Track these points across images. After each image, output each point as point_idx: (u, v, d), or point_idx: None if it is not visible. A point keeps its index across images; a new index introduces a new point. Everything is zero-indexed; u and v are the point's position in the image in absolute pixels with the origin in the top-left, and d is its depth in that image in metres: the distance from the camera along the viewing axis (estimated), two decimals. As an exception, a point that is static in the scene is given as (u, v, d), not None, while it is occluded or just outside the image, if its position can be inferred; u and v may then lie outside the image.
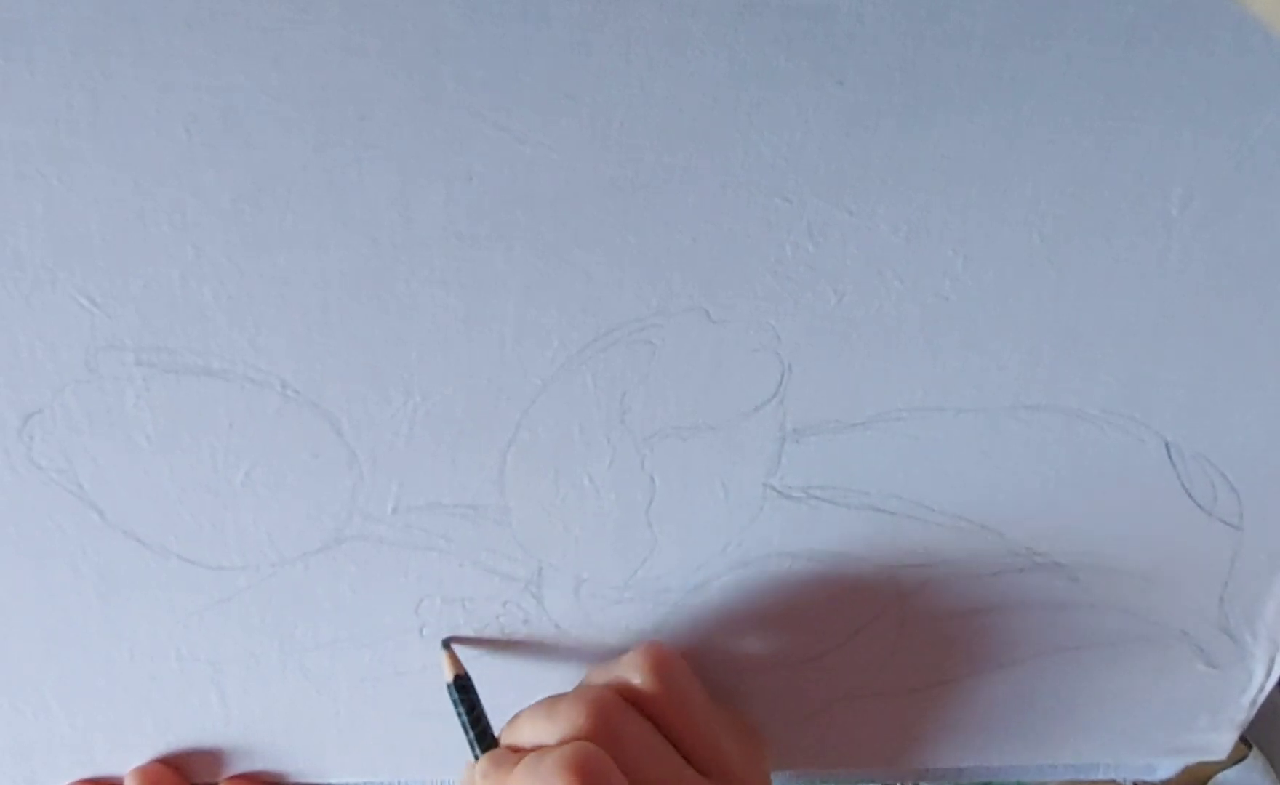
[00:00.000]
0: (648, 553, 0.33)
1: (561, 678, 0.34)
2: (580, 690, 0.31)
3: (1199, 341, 0.31)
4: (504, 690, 0.33)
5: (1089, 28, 0.25)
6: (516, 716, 0.31)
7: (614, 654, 0.32)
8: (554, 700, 0.31)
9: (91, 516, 0.29)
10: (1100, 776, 0.41)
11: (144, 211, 0.25)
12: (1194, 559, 0.35)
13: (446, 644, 0.32)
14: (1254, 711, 0.39)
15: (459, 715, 0.31)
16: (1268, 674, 0.38)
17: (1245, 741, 0.43)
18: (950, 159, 0.27)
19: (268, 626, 0.32)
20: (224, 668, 0.33)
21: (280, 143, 0.25)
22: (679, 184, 0.27)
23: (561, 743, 0.29)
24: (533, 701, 0.31)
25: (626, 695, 0.30)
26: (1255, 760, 0.43)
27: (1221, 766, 0.43)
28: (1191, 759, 0.41)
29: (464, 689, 0.32)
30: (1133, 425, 0.32)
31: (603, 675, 0.32)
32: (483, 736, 0.31)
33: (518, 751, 0.30)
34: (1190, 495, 0.33)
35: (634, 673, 0.31)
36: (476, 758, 0.31)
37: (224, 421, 0.29)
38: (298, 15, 0.23)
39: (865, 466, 0.32)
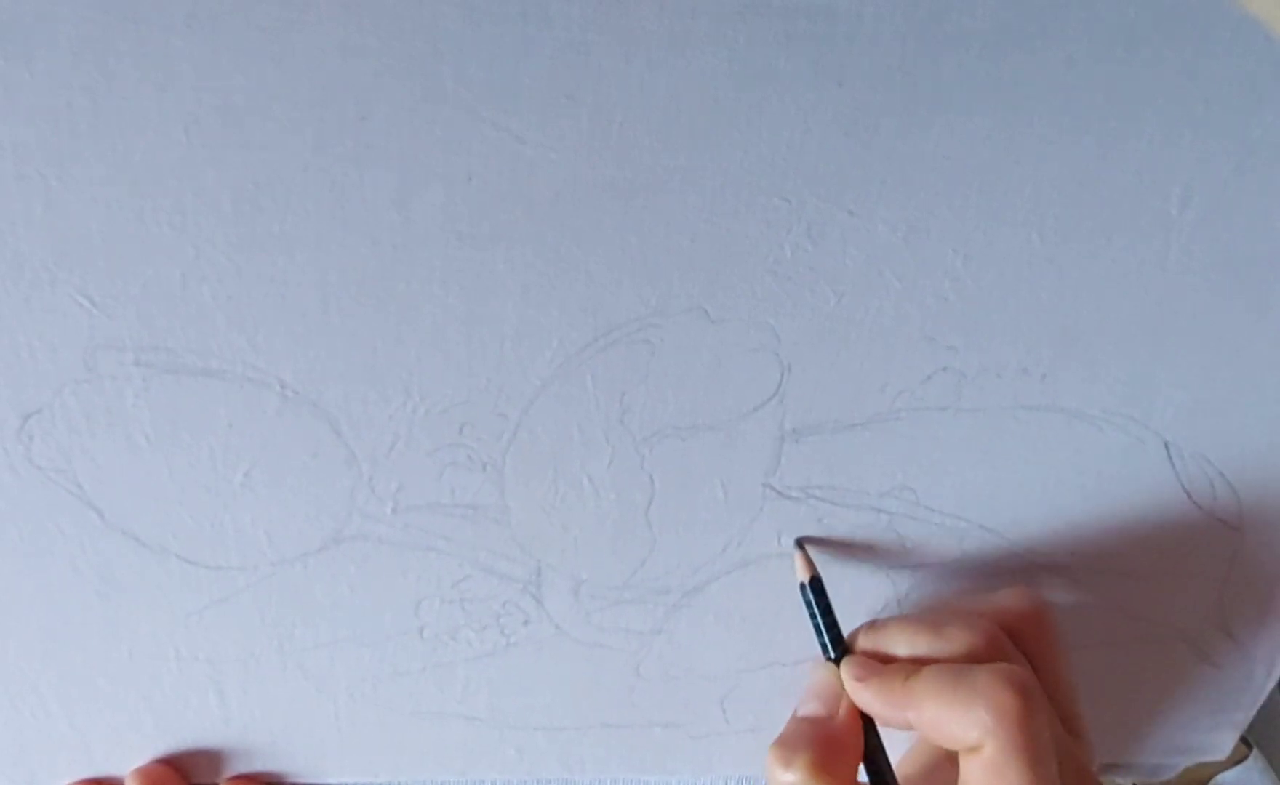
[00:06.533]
0: (647, 553, 0.33)
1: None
2: (962, 614, 0.31)
3: (1199, 341, 0.31)
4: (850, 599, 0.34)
5: (1089, 29, 0.25)
6: (875, 625, 0.32)
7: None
8: (934, 617, 0.31)
9: (91, 516, 0.29)
10: (1101, 776, 0.41)
11: (144, 212, 0.25)
12: (1193, 559, 0.35)
13: (800, 544, 0.33)
14: (1254, 712, 0.39)
15: (812, 617, 0.32)
16: (1268, 674, 0.38)
17: (1245, 742, 0.43)
18: (950, 159, 0.27)
19: (267, 626, 0.32)
20: (223, 668, 0.33)
21: (280, 143, 0.25)
22: (679, 184, 0.26)
23: (955, 659, 0.29)
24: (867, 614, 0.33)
25: (1007, 630, 0.30)
26: (1255, 761, 0.43)
27: (1221, 767, 0.43)
28: (1191, 759, 0.41)
29: (818, 591, 0.32)
30: (1133, 425, 0.32)
31: (974, 603, 0.32)
32: (837, 640, 0.32)
33: (885, 659, 0.30)
34: (1190, 495, 0.33)
35: (1012, 612, 0.31)
36: (832, 658, 0.32)
37: (223, 421, 0.29)
38: (298, 15, 0.23)
39: (865, 466, 0.32)
